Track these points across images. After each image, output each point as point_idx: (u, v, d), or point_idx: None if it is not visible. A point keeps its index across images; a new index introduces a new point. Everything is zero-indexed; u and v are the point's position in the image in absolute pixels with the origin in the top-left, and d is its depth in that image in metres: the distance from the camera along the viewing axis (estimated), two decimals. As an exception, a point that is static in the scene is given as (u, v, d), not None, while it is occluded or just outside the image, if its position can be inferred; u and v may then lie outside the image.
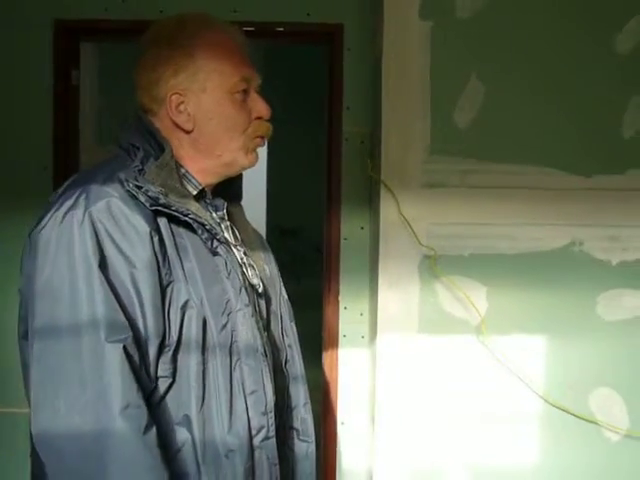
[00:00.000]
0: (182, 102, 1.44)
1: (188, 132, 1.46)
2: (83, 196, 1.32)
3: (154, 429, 1.28)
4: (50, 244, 1.30)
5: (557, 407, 2.38)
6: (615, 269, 2.41)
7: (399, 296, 2.40)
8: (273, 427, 1.45)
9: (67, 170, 2.58)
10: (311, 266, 3.53)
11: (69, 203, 1.32)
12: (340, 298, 2.60)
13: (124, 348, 1.26)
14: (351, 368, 2.61)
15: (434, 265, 2.36)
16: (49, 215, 1.33)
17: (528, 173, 2.39)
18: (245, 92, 1.48)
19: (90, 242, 1.28)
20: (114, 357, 1.25)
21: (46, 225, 1.32)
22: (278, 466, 1.47)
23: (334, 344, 2.59)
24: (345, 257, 2.59)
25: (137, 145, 1.44)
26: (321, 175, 2.71)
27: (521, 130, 2.38)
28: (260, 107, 1.50)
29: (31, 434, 1.30)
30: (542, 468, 2.41)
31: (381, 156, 2.38)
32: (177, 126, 1.46)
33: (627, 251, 2.41)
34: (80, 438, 1.24)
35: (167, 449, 1.33)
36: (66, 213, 1.31)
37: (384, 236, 2.39)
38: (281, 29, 2.50)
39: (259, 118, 1.50)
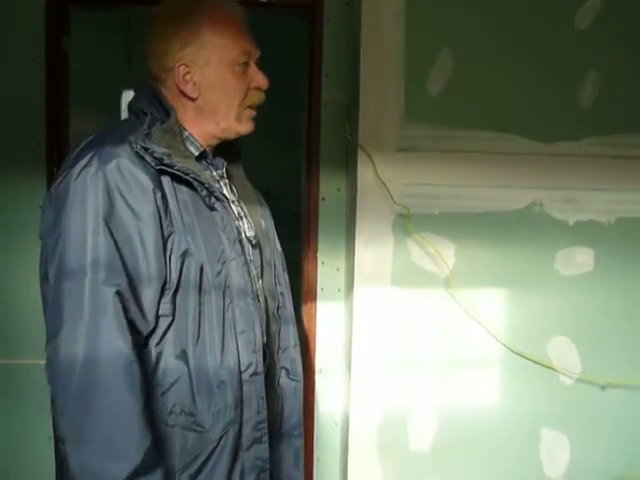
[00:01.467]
0: (188, 72, 1.62)
1: (193, 99, 1.64)
2: (96, 157, 1.50)
3: (136, 364, 1.45)
4: (67, 198, 1.48)
5: (518, 354, 2.60)
6: (571, 228, 2.63)
7: (374, 252, 2.58)
8: (261, 365, 1.65)
9: (60, 135, 2.71)
10: (286, 229, 3.67)
11: (83, 162, 1.49)
12: (318, 254, 2.78)
13: (117, 292, 1.44)
14: (328, 319, 2.79)
15: (408, 223, 2.54)
16: (65, 172, 1.51)
17: (494, 139, 2.57)
18: (246, 64, 1.66)
19: (101, 196, 1.46)
20: (108, 298, 1.43)
21: (62, 181, 1.51)
22: (265, 399, 1.66)
23: (313, 297, 2.77)
24: (323, 216, 2.77)
25: (145, 111, 1.61)
26: (294, 141, 2.86)
27: (488, 99, 2.56)
28: (259, 78, 1.69)
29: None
30: (503, 408, 2.64)
31: (359, 122, 2.54)
32: (183, 94, 1.64)
33: (582, 212, 2.63)
34: (75, 364, 1.41)
35: (166, 379, 1.52)
36: (81, 171, 1.49)
37: (361, 196, 2.56)
38: (264, 1, 2.64)
39: (258, 88, 1.69)
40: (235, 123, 1.68)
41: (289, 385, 1.84)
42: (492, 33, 2.54)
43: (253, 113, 1.71)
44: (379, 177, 2.53)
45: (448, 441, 2.63)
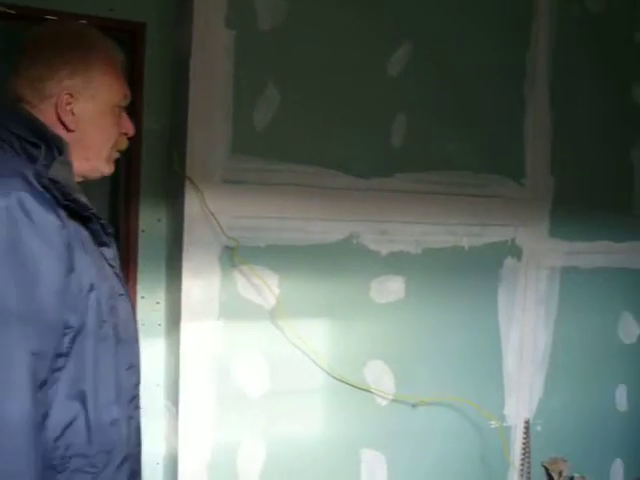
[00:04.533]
0: (70, 103, 1.53)
1: (69, 131, 1.54)
2: None
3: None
4: None
5: (339, 379, 2.72)
6: (384, 258, 2.81)
7: (201, 284, 2.55)
8: (139, 397, 1.62)
9: None
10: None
11: None
12: (138, 288, 2.67)
13: (32, 339, 1.31)
14: (148, 355, 2.68)
15: (236, 255, 2.55)
16: None
17: (316, 173, 2.68)
18: (121, 109, 1.64)
19: (5, 235, 1.30)
20: (20, 352, 1.29)
21: None
22: (140, 431, 1.63)
23: (132, 333, 2.66)
24: (142, 248, 2.67)
25: (31, 140, 1.47)
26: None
27: (310, 135, 2.67)
28: (128, 125, 1.68)
29: None
30: (327, 433, 2.74)
31: (186, 153, 2.51)
32: (61, 124, 1.53)
33: (393, 243, 2.83)
34: None
35: (60, 422, 1.41)
36: None
37: (188, 228, 2.52)
38: (84, 22, 2.50)
39: (125, 134, 1.67)
40: (104, 163, 1.62)
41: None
42: (313, 71, 2.66)
43: (118, 156, 1.68)
44: (207, 208, 2.51)
45: (276, 471, 2.66)
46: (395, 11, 2.77)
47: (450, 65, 2.88)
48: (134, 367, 1.59)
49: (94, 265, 1.46)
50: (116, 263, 1.60)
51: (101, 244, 1.52)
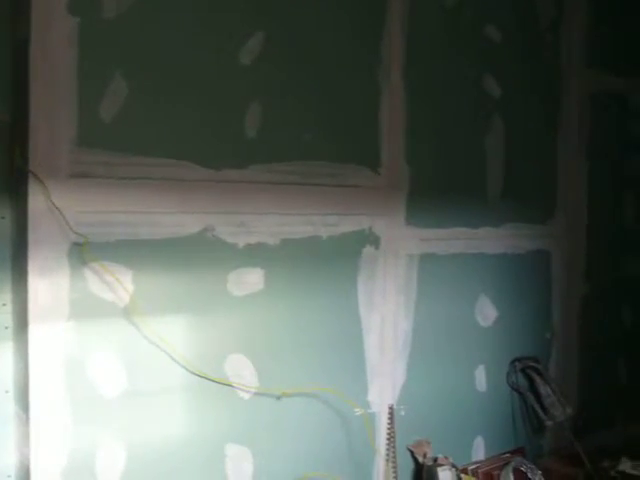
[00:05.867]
0: None
1: None
2: None
3: None
4: None
5: (199, 375, 2.67)
6: (241, 251, 2.79)
7: (49, 284, 2.43)
8: None
9: None
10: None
11: None
12: (-19, 290, 2.53)
13: None
14: (-6, 361, 2.56)
15: (86, 251, 2.45)
16: None
17: (167, 166, 2.62)
18: None
19: None
20: None
21: None
22: None
23: (-24, 338, 2.51)
24: (-17, 248, 2.53)
25: None
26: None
27: (161, 127, 2.60)
28: None
29: None
30: (189, 431, 2.69)
31: (29, 146, 2.39)
32: None
33: (251, 235, 2.80)
34: None
35: None
36: None
37: (33, 225, 2.40)
38: None
39: None
40: None
41: None
42: (162, 62, 2.59)
43: None
44: (53, 204, 2.40)
45: (138, 474, 2.58)
46: (247, -1, 2.75)
47: (305, 54, 2.90)
48: None
49: None
50: None
51: None
